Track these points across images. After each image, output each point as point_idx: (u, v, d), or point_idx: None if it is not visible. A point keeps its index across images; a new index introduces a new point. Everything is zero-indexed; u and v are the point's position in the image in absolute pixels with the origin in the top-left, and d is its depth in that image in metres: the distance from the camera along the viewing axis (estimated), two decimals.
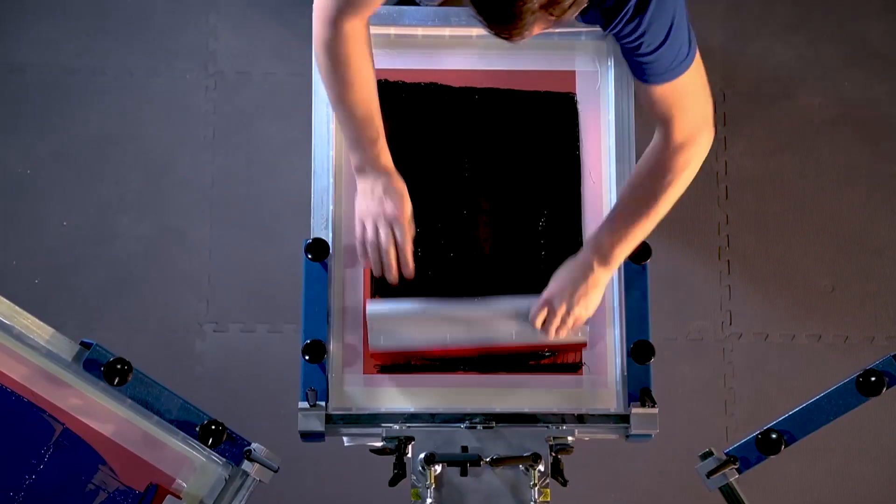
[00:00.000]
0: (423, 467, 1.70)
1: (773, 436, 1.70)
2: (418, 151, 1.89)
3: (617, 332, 1.85)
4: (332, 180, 1.87)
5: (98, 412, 1.67)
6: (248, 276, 2.67)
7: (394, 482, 1.72)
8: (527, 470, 1.71)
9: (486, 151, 1.90)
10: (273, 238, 2.67)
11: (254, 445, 1.71)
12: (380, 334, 1.79)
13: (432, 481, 1.69)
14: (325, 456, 2.57)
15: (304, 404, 1.77)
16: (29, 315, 1.67)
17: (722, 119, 2.76)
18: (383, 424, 1.78)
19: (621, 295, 1.85)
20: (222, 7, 2.76)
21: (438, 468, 1.70)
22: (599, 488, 2.62)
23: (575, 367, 1.86)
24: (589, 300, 1.75)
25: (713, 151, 2.74)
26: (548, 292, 1.76)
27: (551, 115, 1.91)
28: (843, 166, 2.76)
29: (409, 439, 1.74)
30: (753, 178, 2.75)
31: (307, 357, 1.80)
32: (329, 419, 1.78)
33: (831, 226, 2.74)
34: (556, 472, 1.73)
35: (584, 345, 1.83)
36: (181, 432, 1.69)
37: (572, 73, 1.93)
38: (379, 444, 1.79)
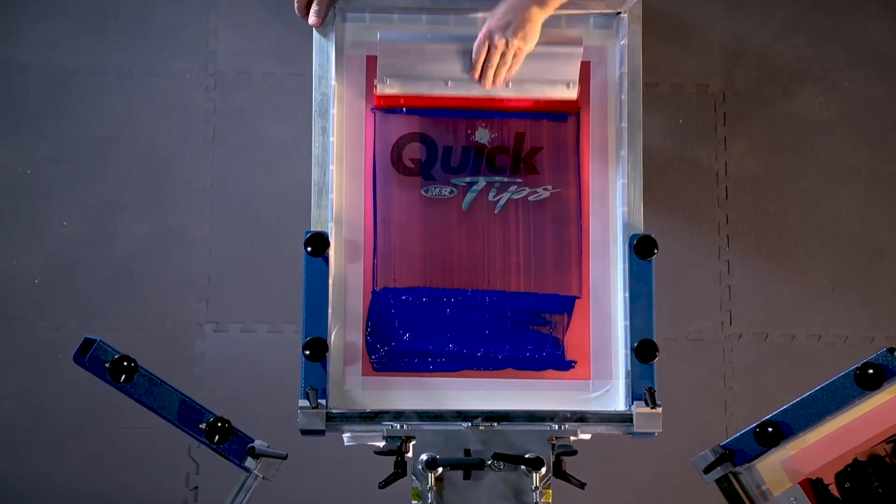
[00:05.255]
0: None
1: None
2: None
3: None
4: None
5: None
6: (248, 276, 2.66)
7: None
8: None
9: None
10: (273, 238, 2.67)
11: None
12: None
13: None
14: (326, 456, 2.56)
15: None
16: None
17: (722, 119, 2.76)
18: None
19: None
20: (222, 7, 2.75)
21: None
22: (599, 488, 2.61)
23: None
24: (527, 32, 1.81)
25: (713, 151, 2.76)
26: (486, 28, 1.83)
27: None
28: (843, 166, 2.76)
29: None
30: (753, 178, 2.75)
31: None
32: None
33: (831, 226, 2.74)
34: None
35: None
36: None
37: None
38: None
